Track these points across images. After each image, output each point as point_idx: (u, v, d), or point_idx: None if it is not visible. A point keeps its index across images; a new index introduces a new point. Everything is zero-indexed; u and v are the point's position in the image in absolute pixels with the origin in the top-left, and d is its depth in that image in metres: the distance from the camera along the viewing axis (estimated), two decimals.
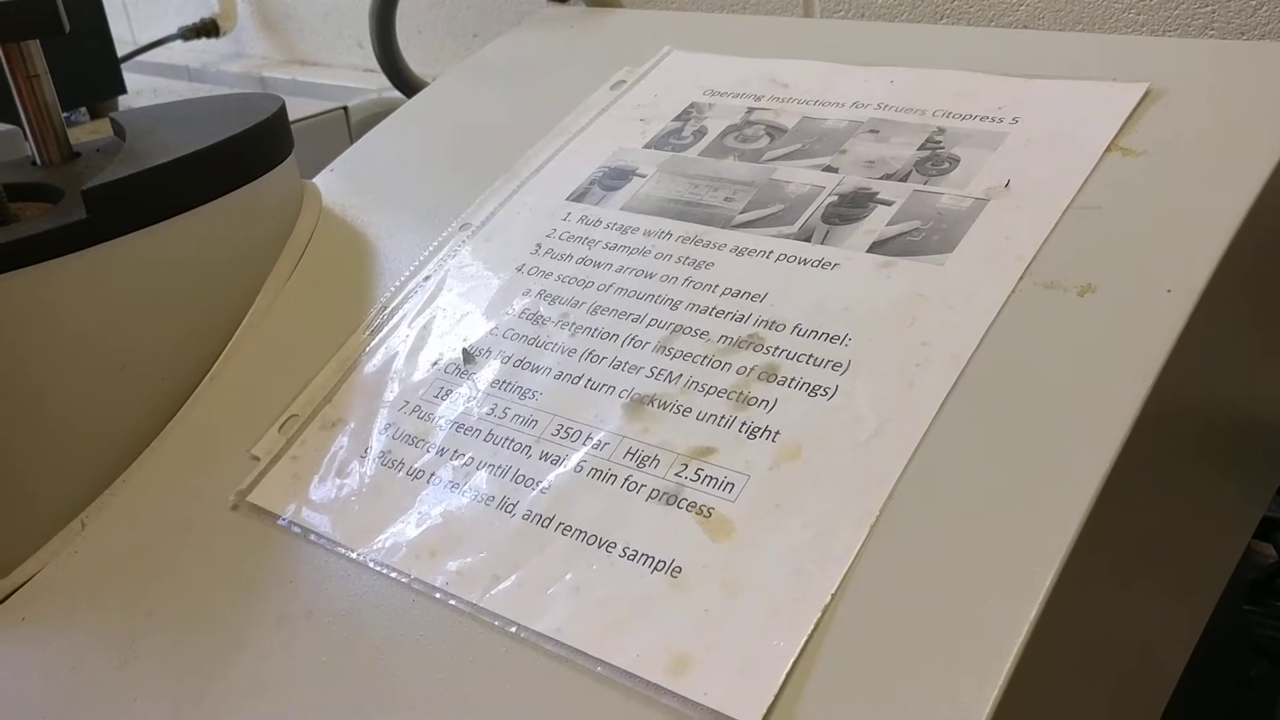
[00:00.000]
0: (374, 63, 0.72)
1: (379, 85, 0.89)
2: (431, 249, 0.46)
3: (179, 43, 1.07)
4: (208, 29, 1.06)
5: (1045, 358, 0.33)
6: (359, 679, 0.34)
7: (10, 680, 0.39)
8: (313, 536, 0.38)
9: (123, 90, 0.93)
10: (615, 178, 0.46)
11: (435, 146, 0.55)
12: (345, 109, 0.79)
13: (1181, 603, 0.37)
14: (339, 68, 1.01)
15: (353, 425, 0.40)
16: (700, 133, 0.47)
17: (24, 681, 0.40)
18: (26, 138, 0.50)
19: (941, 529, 0.30)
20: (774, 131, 0.45)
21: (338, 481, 0.39)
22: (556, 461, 0.36)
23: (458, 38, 0.90)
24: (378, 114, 0.76)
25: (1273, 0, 0.57)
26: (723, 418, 0.35)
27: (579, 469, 0.35)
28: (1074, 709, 0.31)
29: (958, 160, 0.41)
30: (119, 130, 0.49)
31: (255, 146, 0.47)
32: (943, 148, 0.41)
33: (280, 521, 0.39)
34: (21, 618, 0.42)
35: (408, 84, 0.73)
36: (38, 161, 0.49)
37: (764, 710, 0.28)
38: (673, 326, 0.38)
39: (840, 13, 0.69)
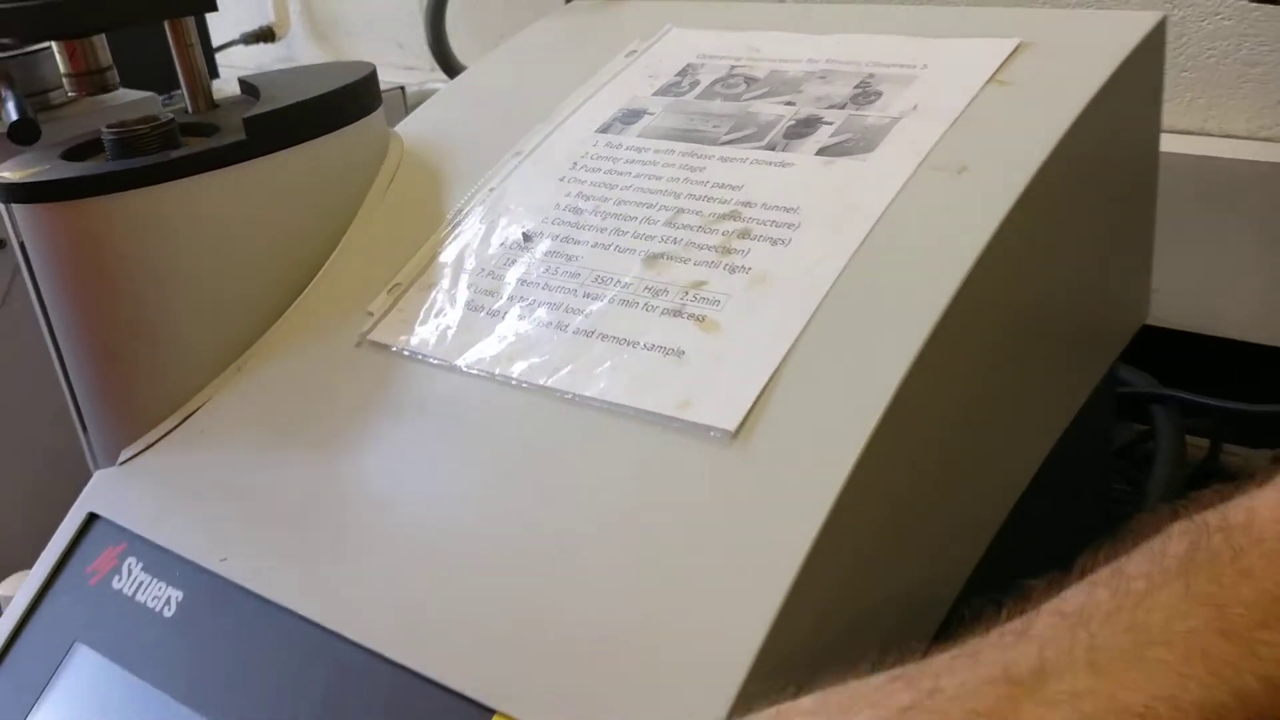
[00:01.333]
0: (413, 60, 0.87)
1: (419, 80, 1.04)
2: (493, 171, 0.62)
3: (240, 47, 1.22)
4: (265, 35, 1.22)
5: (928, 216, 0.48)
6: (463, 440, 0.49)
7: (198, 472, 0.54)
8: (419, 356, 0.53)
9: (216, 75, 1.08)
10: (631, 116, 0.61)
11: (483, 106, 0.70)
12: (403, 88, 0.95)
13: (997, 466, 0.51)
14: (382, 65, 1.16)
15: (444, 286, 0.56)
16: (694, 84, 0.62)
17: (210, 474, 0.55)
18: (169, 97, 0.65)
19: (849, 315, 0.45)
20: (749, 81, 0.61)
21: (435, 323, 0.54)
22: (595, 298, 0.51)
23: (485, 40, 1.06)
24: (427, 93, 0.92)
25: None
26: (712, 263, 0.50)
27: (611, 301, 0.51)
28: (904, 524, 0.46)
29: (881, 94, 0.56)
30: (249, 88, 0.65)
31: (357, 96, 0.63)
32: (871, 86, 0.57)
33: (393, 349, 0.54)
34: (200, 431, 0.57)
35: (452, 68, 0.89)
36: (189, 110, 0.64)
37: (740, 419, 0.43)
38: (676, 209, 0.54)
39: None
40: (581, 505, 0.45)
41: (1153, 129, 0.59)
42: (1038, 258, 0.50)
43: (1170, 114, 0.75)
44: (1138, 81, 0.55)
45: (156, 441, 0.58)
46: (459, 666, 0.42)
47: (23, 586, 0.57)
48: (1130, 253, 0.60)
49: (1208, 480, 0.63)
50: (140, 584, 0.53)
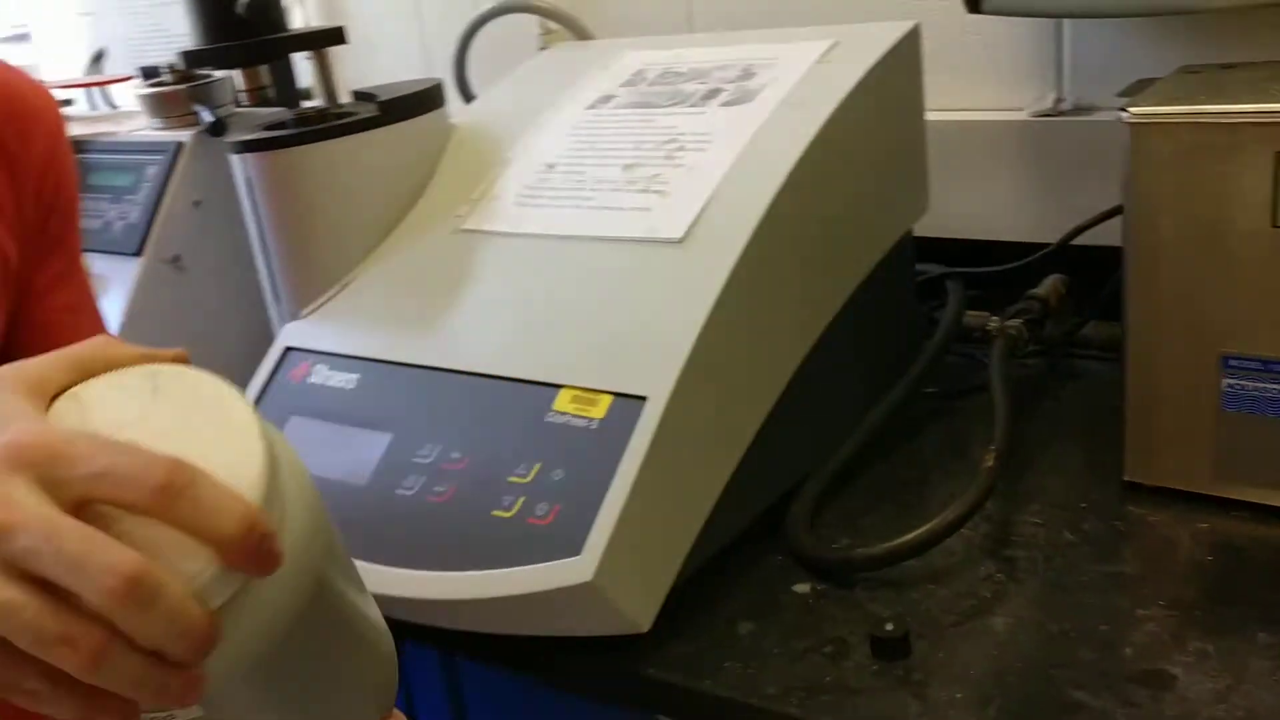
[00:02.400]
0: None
1: None
2: (520, 137, 0.99)
3: None
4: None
5: (773, 133, 0.87)
6: (518, 264, 0.86)
7: (353, 314, 0.91)
8: (491, 232, 0.90)
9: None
10: (606, 99, 0.99)
11: (503, 107, 1.08)
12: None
13: (814, 286, 0.89)
14: None
15: (501, 196, 0.93)
16: (643, 78, 1.01)
17: (360, 312, 0.91)
18: (305, 99, 1.02)
19: (735, 185, 0.83)
20: (677, 74, 0.99)
21: (498, 214, 0.91)
22: (595, 189, 0.89)
23: (485, 79, 1.44)
24: None
25: None
26: (661, 163, 0.88)
27: (605, 189, 0.88)
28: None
29: (756, 74, 0.95)
30: (363, 95, 1.02)
31: (433, 95, 1.00)
32: (750, 70, 0.96)
33: (475, 230, 0.91)
34: (351, 294, 0.93)
35: (469, 95, 1.27)
36: (326, 109, 1.01)
37: (682, 233, 0.81)
38: (639, 141, 0.92)
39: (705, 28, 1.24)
40: (594, 279, 0.82)
41: (915, 89, 0.98)
42: (831, 158, 0.88)
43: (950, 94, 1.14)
44: (902, 58, 0.94)
45: (323, 304, 0.94)
46: (533, 370, 0.79)
47: (253, 388, 0.92)
48: (904, 170, 0.99)
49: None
50: (327, 377, 0.89)
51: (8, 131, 0.70)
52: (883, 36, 0.94)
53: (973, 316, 1.08)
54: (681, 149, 0.89)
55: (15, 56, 1.89)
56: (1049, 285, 1.05)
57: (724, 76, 0.96)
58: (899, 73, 0.95)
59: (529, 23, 1.32)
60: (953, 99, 1.13)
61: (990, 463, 0.81)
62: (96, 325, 0.81)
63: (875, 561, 0.79)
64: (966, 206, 1.13)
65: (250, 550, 0.40)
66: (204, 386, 0.45)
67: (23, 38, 1.99)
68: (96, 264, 1.06)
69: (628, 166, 0.90)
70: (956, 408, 1.03)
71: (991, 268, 1.08)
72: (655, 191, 0.86)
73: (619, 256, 0.83)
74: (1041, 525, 0.84)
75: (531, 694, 0.85)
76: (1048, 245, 1.07)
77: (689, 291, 0.78)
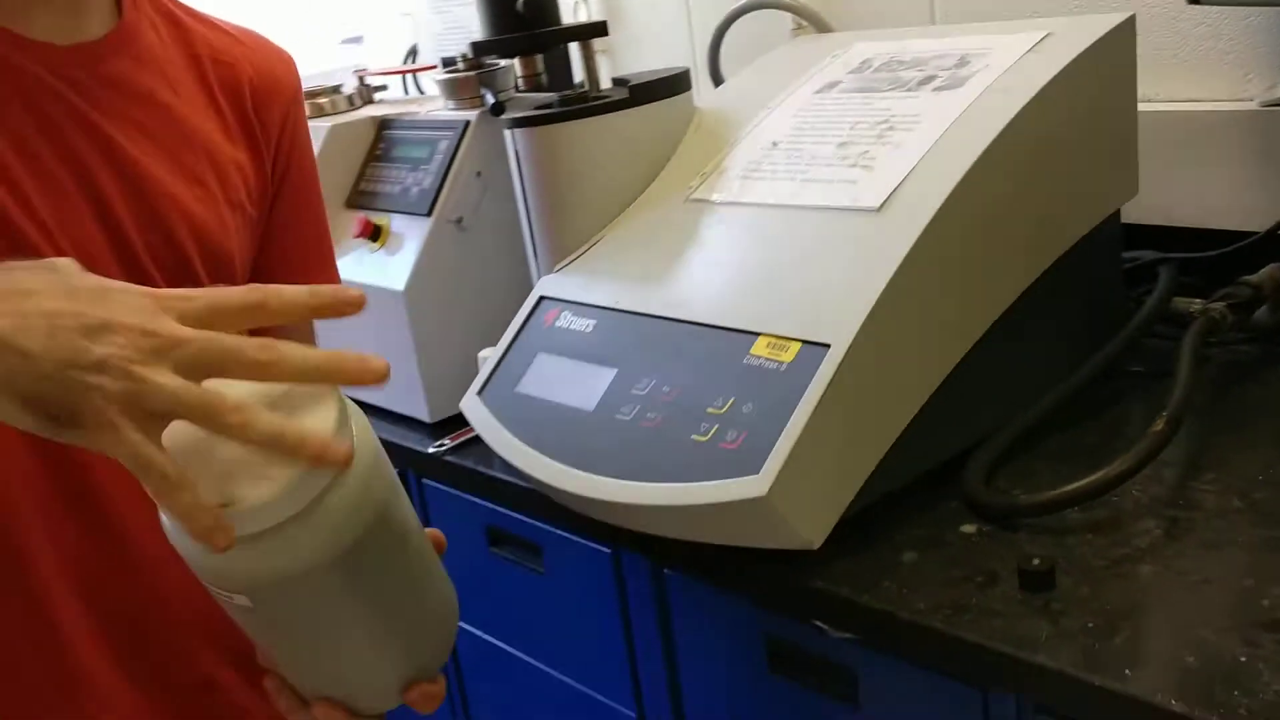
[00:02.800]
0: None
1: None
2: (753, 117, 1.11)
3: None
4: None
5: (981, 115, 0.94)
6: (740, 229, 0.98)
7: (597, 269, 1.05)
8: (719, 201, 1.02)
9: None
10: (832, 85, 1.10)
11: (745, 92, 1.20)
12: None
13: (1016, 251, 0.96)
14: None
15: (729, 170, 1.05)
16: (869, 66, 1.10)
17: (602, 269, 1.05)
18: (565, 87, 1.18)
19: (936, 161, 0.92)
20: (899, 63, 1.08)
21: (726, 186, 1.03)
22: (811, 164, 0.99)
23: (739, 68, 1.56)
24: None
25: None
26: (872, 142, 0.97)
27: (819, 164, 0.99)
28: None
29: (970, 62, 1.02)
30: (620, 81, 1.16)
31: (680, 80, 1.13)
32: (965, 59, 1.03)
33: (704, 200, 1.03)
34: (597, 253, 1.07)
35: (719, 79, 1.40)
36: (588, 91, 1.16)
37: (880, 203, 0.90)
38: (855, 122, 1.01)
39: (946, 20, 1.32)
40: (798, 242, 0.93)
41: (1127, 77, 1.03)
42: (1029, 139, 0.95)
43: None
44: (1113, 48, 1.00)
45: (572, 261, 1.09)
46: (737, 319, 0.90)
47: (505, 335, 1.09)
48: (1112, 155, 1.04)
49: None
50: (571, 322, 1.04)
51: (261, 109, 0.85)
52: (1095, 28, 1.00)
53: (1183, 302, 1.11)
54: (892, 129, 0.98)
55: (351, 56, 2.19)
56: (1266, 273, 1.07)
57: (940, 64, 1.04)
58: (1109, 62, 1.00)
59: (784, 18, 1.44)
60: (1178, 89, 1.16)
61: (1159, 427, 0.87)
62: (327, 258, 0.95)
63: (1037, 508, 0.86)
64: (1188, 195, 1.16)
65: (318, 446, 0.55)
66: None
67: (357, 40, 2.28)
68: (395, 222, 1.26)
69: (841, 144, 1.00)
70: (1157, 388, 1.06)
71: (1201, 253, 1.11)
72: (863, 166, 0.96)
73: (823, 223, 0.94)
74: (1212, 492, 0.88)
75: (718, 600, 0.97)
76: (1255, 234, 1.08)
77: (878, 255, 0.87)
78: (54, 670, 0.76)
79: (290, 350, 0.56)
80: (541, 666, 1.21)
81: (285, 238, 0.91)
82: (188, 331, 0.54)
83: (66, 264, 0.57)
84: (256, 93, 0.86)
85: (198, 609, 0.73)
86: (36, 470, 0.61)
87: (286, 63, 0.90)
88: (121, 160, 0.76)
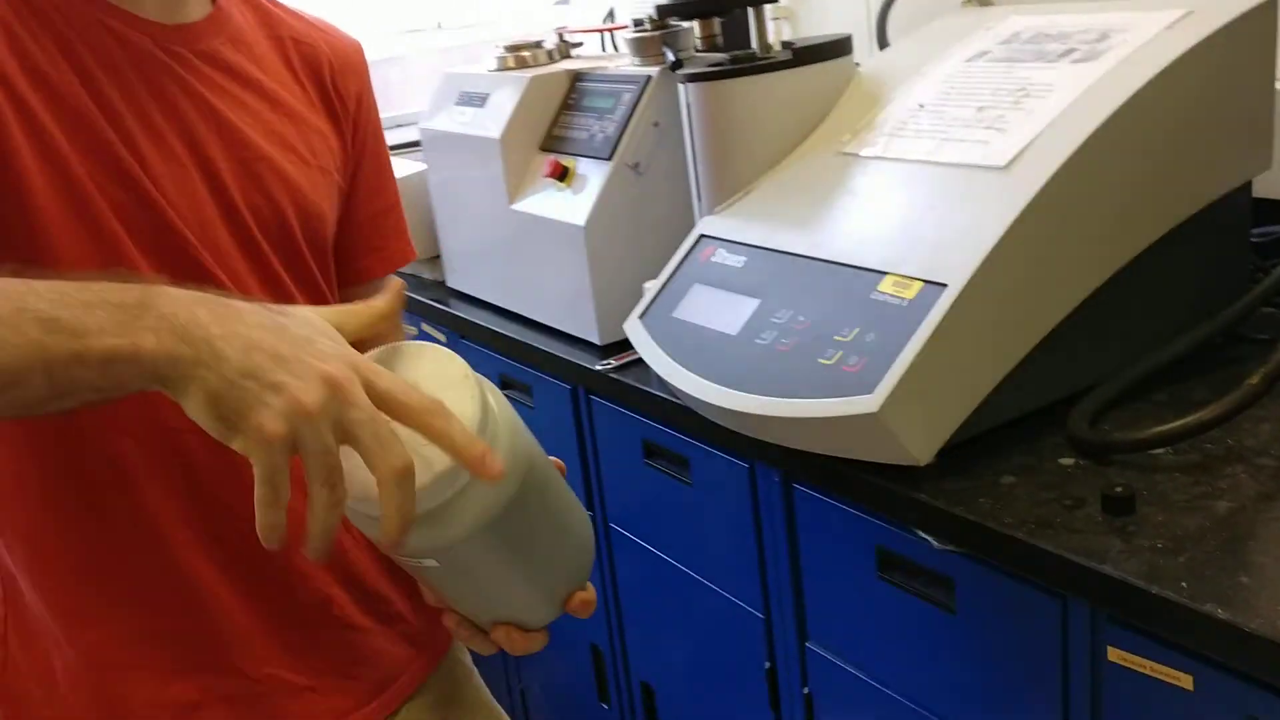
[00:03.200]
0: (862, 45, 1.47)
1: None
2: (904, 81, 1.21)
3: None
4: None
5: (1112, 85, 1.02)
6: (884, 181, 1.08)
7: (751, 213, 1.17)
8: (867, 156, 1.13)
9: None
10: (981, 55, 1.18)
11: (902, 58, 1.29)
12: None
13: (1141, 210, 1.03)
14: None
15: (879, 128, 1.15)
16: (1017, 37, 1.18)
17: (757, 213, 1.18)
18: (735, 48, 1.29)
19: (1065, 124, 1.00)
20: (1045, 36, 1.16)
21: (875, 143, 1.14)
22: (951, 125, 1.09)
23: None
24: None
25: None
26: (1008, 108, 1.06)
27: (959, 125, 1.08)
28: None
29: (1109, 36, 1.10)
30: (787, 44, 1.28)
31: (842, 44, 1.24)
32: (1106, 34, 1.11)
33: (854, 154, 1.14)
34: (753, 198, 1.20)
35: (885, 43, 1.49)
36: (758, 53, 1.28)
37: (1008, 160, 1.00)
38: (995, 89, 1.10)
39: None
40: (931, 193, 1.03)
41: (1266, 55, 1.08)
42: (1155, 110, 1.02)
43: None
44: (1251, 26, 1.05)
45: (730, 205, 1.22)
46: (868, 259, 1.01)
47: (666, 268, 1.22)
48: (1245, 129, 1.09)
49: None
50: (725, 258, 1.17)
51: (338, 84, 0.95)
52: (1233, 7, 1.06)
53: None
54: (1027, 95, 1.07)
55: (556, 17, 2.37)
56: None
57: (1083, 38, 1.12)
58: (1245, 39, 1.06)
59: None
60: None
61: (1254, 380, 0.94)
62: (400, 226, 1.04)
63: (1129, 445, 0.95)
64: None
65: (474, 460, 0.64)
66: (430, 352, 0.70)
67: (565, 1, 2.46)
68: (580, 165, 1.41)
69: (980, 109, 1.09)
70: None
71: None
72: (996, 129, 1.05)
73: (954, 178, 1.04)
74: None
75: (837, 511, 1.08)
76: None
77: (999, 207, 0.97)
78: (175, 589, 0.86)
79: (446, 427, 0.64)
80: (683, 568, 1.35)
81: (366, 206, 1.00)
82: (364, 404, 0.61)
83: (296, 311, 0.66)
84: (335, 72, 0.95)
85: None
86: (158, 397, 0.66)
87: (357, 48, 1.00)
88: (225, 127, 0.85)
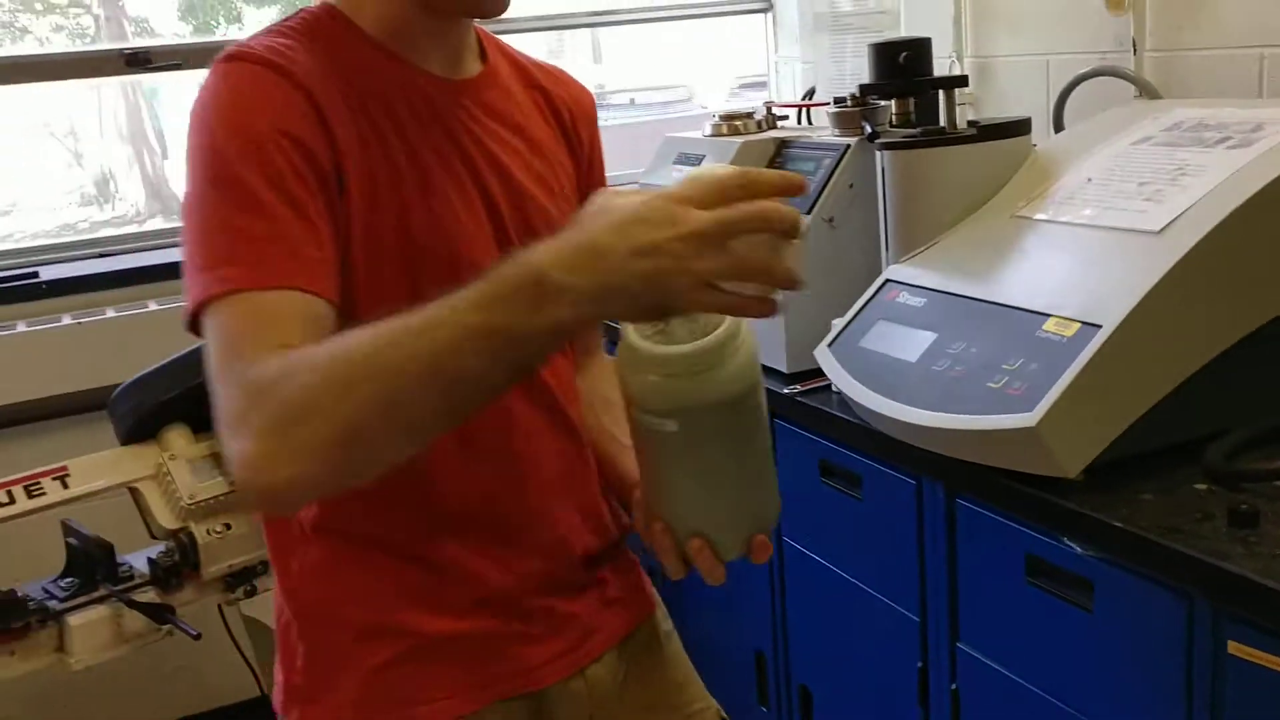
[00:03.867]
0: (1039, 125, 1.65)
1: None
2: (1078, 159, 1.38)
3: None
4: None
5: (1260, 169, 1.18)
6: (1051, 240, 1.26)
7: (933, 264, 1.36)
8: (1041, 219, 1.31)
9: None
10: (1145, 139, 1.36)
11: (1072, 140, 1.47)
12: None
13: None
14: None
15: (1050, 197, 1.33)
16: (1179, 127, 1.35)
17: (937, 264, 1.37)
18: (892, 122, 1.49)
19: (1218, 198, 1.17)
20: (1205, 127, 1.33)
21: (1045, 209, 1.32)
22: (1115, 197, 1.26)
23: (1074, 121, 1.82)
24: None
25: None
26: (1165, 184, 1.23)
27: (1120, 197, 1.25)
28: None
29: (1263, 128, 1.25)
30: (973, 122, 1.47)
31: (1022, 125, 1.43)
32: (1260, 128, 1.26)
33: (1028, 217, 1.32)
34: (938, 250, 1.39)
35: (1061, 127, 1.67)
36: (944, 128, 1.47)
37: (1162, 227, 1.17)
38: (1155, 169, 1.27)
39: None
40: (1095, 251, 1.20)
41: None
42: None
43: None
44: None
45: (914, 255, 1.41)
46: (1035, 303, 1.19)
47: (855, 305, 1.42)
48: None
49: None
50: (907, 299, 1.36)
51: (577, 126, 1.10)
52: None
53: None
54: (1184, 174, 1.24)
55: (754, 96, 2.65)
56: None
57: (1239, 129, 1.28)
58: None
59: (1129, 85, 1.69)
60: None
61: None
62: None
63: (1258, 474, 1.10)
64: None
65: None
66: None
67: (762, 84, 2.72)
68: None
69: (1141, 184, 1.26)
70: None
71: None
72: (1154, 201, 1.22)
73: (1114, 239, 1.21)
74: None
75: (994, 522, 1.25)
76: None
77: (1152, 263, 1.14)
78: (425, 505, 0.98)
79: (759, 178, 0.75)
80: (848, 577, 1.53)
81: None
82: (704, 218, 0.73)
83: (609, 201, 0.78)
84: (574, 116, 1.09)
85: (564, 486, 1.02)
86: None
87: (591, 96, 1.13)
88: (500, 168, 0.99)
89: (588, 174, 1.14)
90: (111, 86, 2.53)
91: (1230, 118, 1.32)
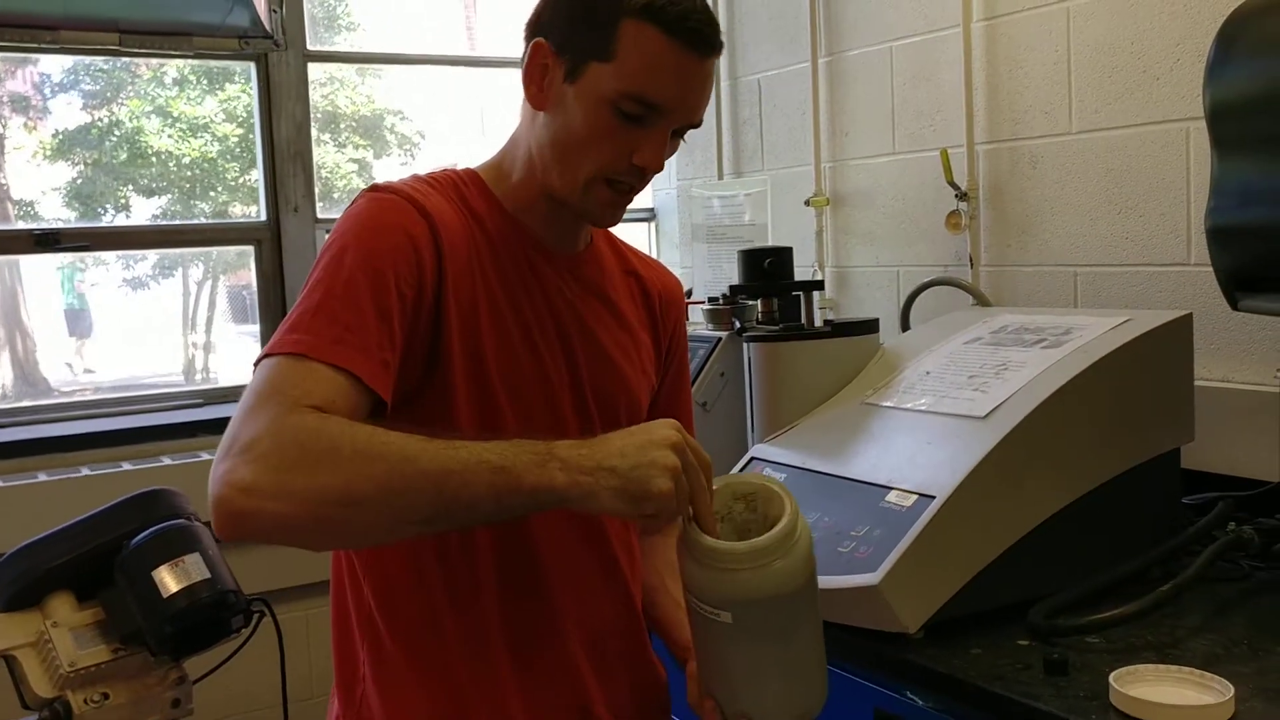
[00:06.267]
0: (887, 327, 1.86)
1: None
2: (914, 357, 1.57)
3: None
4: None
5: (1065, 368, 1.38)
6: (896, 425, 1.43)
7: (790, 446, 1.52)
8: (885, 406, 1.48)
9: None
10: (976, 339, 1.55)
11: (915, 339, 1.66)
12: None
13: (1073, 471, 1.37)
14: None
15: (895, 387, 1.51)
16: (1004, 329, 1.55)
17: (795, 445, 1.53)
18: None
19: (1026, 394, 1.35)
20: (1026, 331, 1.53)
21: (890, 397, 1.50)
22: (949, 386, 1.45)
23: (918, 322, 2.03)
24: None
25: None
26: (989, 378, 1.42)
27: (950, 386, 1.44)
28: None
29: (1070, 332, 1.46)
30: (829, 321, 1.65)
31: (868, 326, 1.62)
32: (1070, 331, 1.47)
33: (876, 404, 1.50)
34: (793, 433, 1.55)
35: (905, 328, 1.87)
36: (804, 324, 1.66)
37: (987, 412, 1.34)
38: (980, 365, 1.47)
39: (1086, 304, 1.75)
40: (929, 435, 1.37)
41: (1183, 355, 1.43)
42: (1096, 385, 1.37)
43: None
44: (1172, 333, 1.41)
45: (776, 436, 1.57)
46: (878, 477, 1.35)
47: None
48: (1168, 408, 1.44)
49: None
50: (769, 475, 1.51)
51: (665, 311, 1.27)
52: (1161, 318, 1.43)
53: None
54: (1006, 369, 1.43)
55: None
56: None
57: (1052, 332, 1.49)
58: (1168, 342, 1.43)
59: (964, 294, 1.92)
60: (1229, 371, 1.55)
61: (1166, 589, 1.24)
62: (690, 424, 1.34)
63: (1068, 630, 1.24)
64: (1243, 451, 1.53)
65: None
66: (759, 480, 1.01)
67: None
68: None
69: (970, 376, 1.45)
70: (1216, 592, 1.41)
71: (1247, 492, 1.48)
72: (981, 391, 1.40)
73: (947, 424, 1.38)
74: (1201, 641, 1.24)
75: (845, 680, 1.37)
76: None
77: (977, 443, 1.31)
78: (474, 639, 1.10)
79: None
80: None
81: (668, 403, 1.29)
82: (694, 445, 0.95)
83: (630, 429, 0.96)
84: (662, 301, 1.25)
85: (582, 632, 1.13)
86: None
87: (679, 284, 1.33)
88: (588, 333, 1.15)
89: (669, 357, 1.28)
90: None
91: (1046, 323, 1.53)
